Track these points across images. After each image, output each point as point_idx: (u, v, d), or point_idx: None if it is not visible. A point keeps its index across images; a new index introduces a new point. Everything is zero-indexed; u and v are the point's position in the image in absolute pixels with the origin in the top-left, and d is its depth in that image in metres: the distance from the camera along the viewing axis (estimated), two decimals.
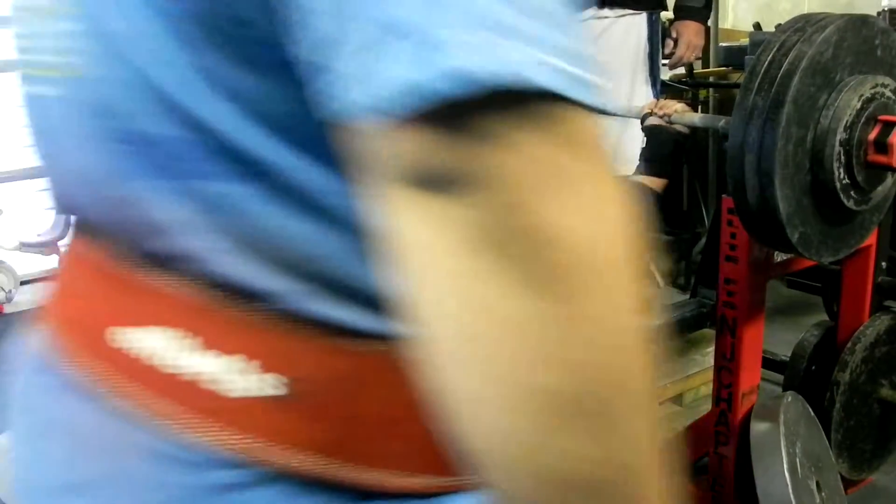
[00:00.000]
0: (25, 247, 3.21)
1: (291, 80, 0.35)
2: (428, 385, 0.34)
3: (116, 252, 0.41)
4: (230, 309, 0.39)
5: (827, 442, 1.72)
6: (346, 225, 0.38)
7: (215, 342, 0.39)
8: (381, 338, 0.40)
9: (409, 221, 0.32)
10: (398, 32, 0.30)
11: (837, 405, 1.74)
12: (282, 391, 0.39)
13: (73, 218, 0.47)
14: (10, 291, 3.15)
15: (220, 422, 0.38)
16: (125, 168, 0.39)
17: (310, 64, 0.33)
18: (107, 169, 0.39)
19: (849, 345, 1.77)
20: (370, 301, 0.39)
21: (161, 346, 0.39)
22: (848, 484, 1.83)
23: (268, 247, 0.39)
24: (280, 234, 0.39)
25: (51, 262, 3.29)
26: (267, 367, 0.39)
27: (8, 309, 3.11)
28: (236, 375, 0.39)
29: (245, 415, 0.39)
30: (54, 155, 0.44)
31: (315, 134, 0.36)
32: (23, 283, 3.27)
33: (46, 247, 3.24)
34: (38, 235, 3.26)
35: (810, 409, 1.70)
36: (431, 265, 0.32)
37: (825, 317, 2.39)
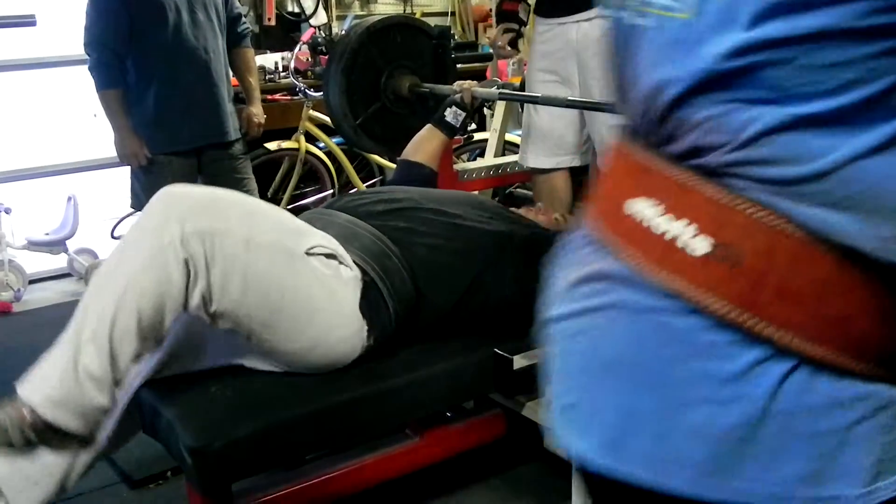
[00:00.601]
0: (33, 245, 3.21)
1: None
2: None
3: (641, 145, 0.58)
4: (688, 185, 0.53)
5: None
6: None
7: (673, 209, 0.54)
8: (805, 226, 0.50)
9: None
10: None
11: None
12: (709, 250, 0.52)
13: (627, 126, 0.62)
14: (18, 290, 3.15)
15: (672, 269, 0.54)
16: (679, 84, 0.52)
17: None
18: (661, 84, 0.54)
19: None
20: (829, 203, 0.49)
21: (645, 212, 0.56)
22: None
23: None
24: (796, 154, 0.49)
25: (59, 260, 3.30)
26: (702, 230, 0.53)
27: (17, 308, 3.11)
28: (682, 234, 0.53)
29: (687, 266, 0.53)
30: (633, 72, 0.58)
31: None
32: (31, 281, 3.27)
33: (54, 245, 3.25)
34: (46, 234, 3.26)
35: None
36: None
37: None
